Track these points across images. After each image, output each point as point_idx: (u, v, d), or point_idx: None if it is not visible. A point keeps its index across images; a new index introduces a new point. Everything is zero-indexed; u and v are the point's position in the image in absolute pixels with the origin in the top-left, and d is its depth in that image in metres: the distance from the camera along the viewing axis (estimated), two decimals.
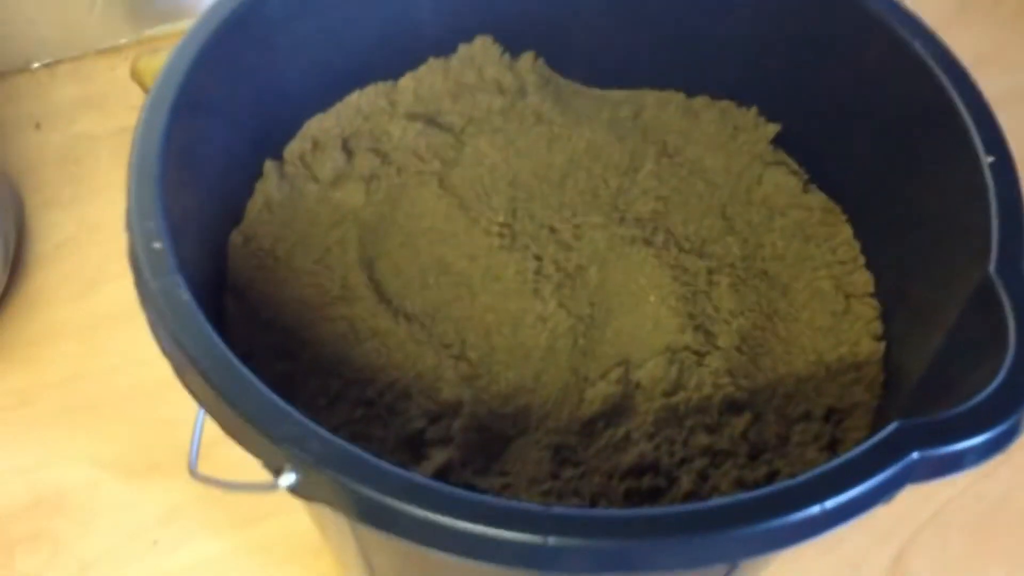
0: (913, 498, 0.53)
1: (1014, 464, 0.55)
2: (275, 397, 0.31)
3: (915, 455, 0.30)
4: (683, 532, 0.28)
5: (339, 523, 0.35)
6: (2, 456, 0.53)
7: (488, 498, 0.29)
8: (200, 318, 0.32)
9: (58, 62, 0.71)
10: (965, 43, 0.75)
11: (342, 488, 0.29)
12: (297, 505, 0.51)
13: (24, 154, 0.66)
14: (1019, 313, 0.34)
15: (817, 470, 0.30)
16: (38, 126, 0.67)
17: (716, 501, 0.29)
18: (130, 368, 0.57)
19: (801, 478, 0.30)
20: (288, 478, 0.30)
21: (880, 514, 0.52)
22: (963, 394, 0.32)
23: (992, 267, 0.35)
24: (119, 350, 0.58)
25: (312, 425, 0.30)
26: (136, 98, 0.67)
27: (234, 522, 0.51)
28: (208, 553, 0.51)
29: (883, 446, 0.31)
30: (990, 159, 0.38)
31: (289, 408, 0.30)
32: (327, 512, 0.35)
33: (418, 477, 0.29)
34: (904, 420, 0.31)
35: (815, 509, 0.29)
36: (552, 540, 0.28)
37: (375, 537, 0.34)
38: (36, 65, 0.70)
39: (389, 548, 0.36)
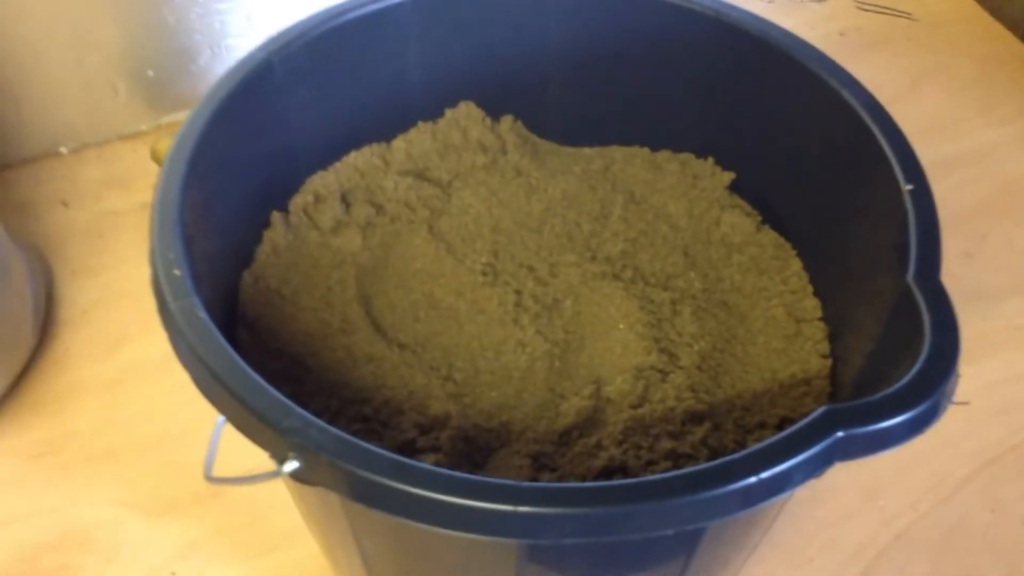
0: (877, 521, 0.57)
1: (968, 492, 0.59)
2: (280, 395, 0.34)
3: (839, 433, 0.34)
4: (636, 500, 0.32)
5: (336, 515, 0.39)
6: (32, 498, 0.57)
7: (465, 475, 0.32)
8: (215, 332, 0.36)
9: (84, 147, 0.77)
10: (918, 114, 0.82)
11: (338, 470, 0.32)
12: (304, 537, 0.54)
13: (53, 229, 0.71)
14: (933, 311, 0.38)
15: (754, 447, 0.34)
16: (65, 204, 0.72)
17: (665, 475, 0.33)
18: (149, 419, 0.61)
19: (740, 454, 0.34)
20: (291, 465, 0.34)
21: (847, 536, 0.56)
22: (889, 386, 0.36)
23: (911, 276, 0.40)
24: (139, 403, 0.62)
25: (312, 418, 0.34)
26: (156, 177, 0.73)
27: (246, 554, 0.55)
28: None
29: (811, 427, 0.34)
30: (909, 187, 0.43)
31: (292, 404, 0.34)
32: (324, 503, 0.39)
33: (404, 459, 0.33)
34: (831, 405, 0.35)
35: (752, 479, 0.33)
36: (522, 508, 0.31)
37: (368, 520, 0.38)
38: (64, 150, 0.76)
39: (382, 533, 0.39)
